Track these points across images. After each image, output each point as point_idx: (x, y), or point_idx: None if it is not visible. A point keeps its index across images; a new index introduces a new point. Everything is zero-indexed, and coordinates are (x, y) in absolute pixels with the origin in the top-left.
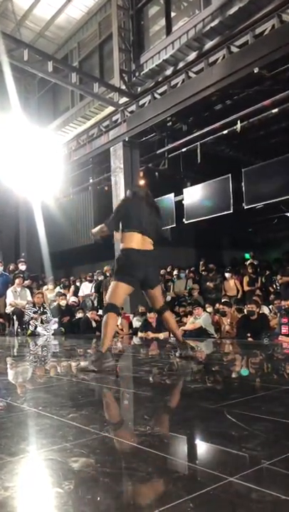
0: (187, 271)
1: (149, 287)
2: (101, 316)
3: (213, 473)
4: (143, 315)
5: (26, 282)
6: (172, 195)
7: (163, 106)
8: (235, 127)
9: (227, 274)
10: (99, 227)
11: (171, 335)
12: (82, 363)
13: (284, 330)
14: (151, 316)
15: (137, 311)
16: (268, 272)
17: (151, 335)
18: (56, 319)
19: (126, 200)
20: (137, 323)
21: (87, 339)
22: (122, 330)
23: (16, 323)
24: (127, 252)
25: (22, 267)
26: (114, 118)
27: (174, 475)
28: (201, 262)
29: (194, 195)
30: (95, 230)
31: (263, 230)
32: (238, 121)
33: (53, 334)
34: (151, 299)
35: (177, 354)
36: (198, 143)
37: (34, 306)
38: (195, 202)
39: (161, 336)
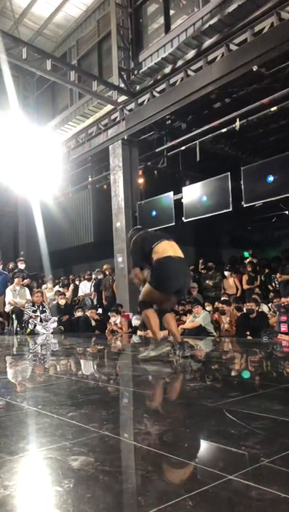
0: None
1: (179, 297)
2: (100, 315)
3: (212, 472)
4: None
5: (25, 281)
6: (171, 193)
7: (162, 104)
8: (234, 125)
9: (226, 273)
10: (135, 274)
11: (171, 335)
12: (142, 354)
13: (283, 328)
14: None
15: (137, 310)
16: (267, 271)
17: (150, 333)
18: (55, 318)
19: (135, 241)
20: (136, 321)
21: (87, 338)
22: (121, 329)
23: (16, 322)
24: (164, 262)
25: (21, 265)
26: (113, 116)
27: (173, 473)
28: (201, 261)
29: (193, 193)
30: (138, 279)
31: (262, 228)
32: (237, 120)
33: (52, 333)
34: (170, 303)
35: (181, 354)
36: (197, 141)
37: (33, 305)
38: (194, 200)
39: (161, 334)
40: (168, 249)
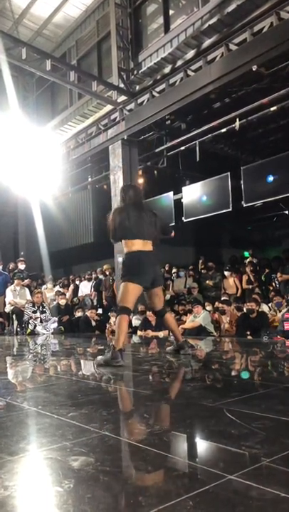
0: (187, 269)
1: (153, 287)
2: (100, 315)
3: (212, 471)
4: (142, 314)
5: (26, 281)
6: (171, 193)
7: (161, 104)
8: (233, 125)
9: (226, 273)
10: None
11: (171, 334)
12: (98, 357)
13: (287, 326)
14: (151, 315)
15: (137, 309)
16: (267, 270)
17: (150, 333)
18: (56, 318)
19: (116, 211)
20: (136, 321)
21: (87, 338)
22: None
23: (16, 323)
24: (133, 254)
25: (21, 266)
26: (112, 116)
27: (173, 473)
28: (201, 261)
29: (193, 193)
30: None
31: (263, 228)
32: (237, 119)
33: (52, 333)
34: (153, 297)
35: (167, 349)
36: (196, 141)
37: (33, 305)
38: (194, 200)
39: (161, 334)
40: (139, 245)
